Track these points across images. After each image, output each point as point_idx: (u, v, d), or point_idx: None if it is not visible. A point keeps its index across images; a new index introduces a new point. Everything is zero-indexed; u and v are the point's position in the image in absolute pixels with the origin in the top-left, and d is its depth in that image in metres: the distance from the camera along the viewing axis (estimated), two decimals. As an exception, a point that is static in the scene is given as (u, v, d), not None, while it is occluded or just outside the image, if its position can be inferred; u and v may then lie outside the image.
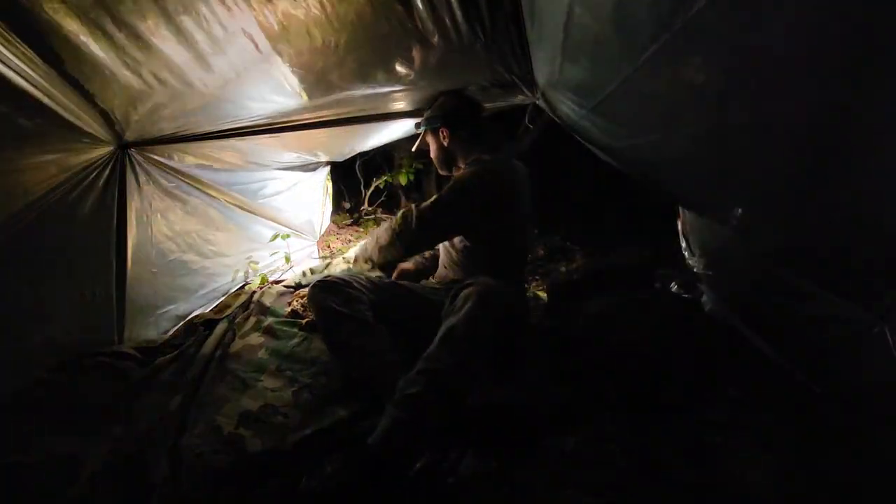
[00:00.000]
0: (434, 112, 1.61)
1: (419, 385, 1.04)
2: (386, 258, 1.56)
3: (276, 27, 1.12)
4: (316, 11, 1.09)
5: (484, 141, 1.62)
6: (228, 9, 1.05)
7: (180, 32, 1.07)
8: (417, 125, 1.70)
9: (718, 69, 0.68)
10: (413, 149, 1.80)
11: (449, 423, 1.07)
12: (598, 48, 0.90)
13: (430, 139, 1.66)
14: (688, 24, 0.62)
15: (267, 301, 1.68)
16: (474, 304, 1.17)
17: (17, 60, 0.97)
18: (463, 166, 1.60)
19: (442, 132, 1.60)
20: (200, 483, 0.95)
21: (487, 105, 1.69)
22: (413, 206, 1.49)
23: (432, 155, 1.69)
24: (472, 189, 1.45)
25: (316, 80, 1.39)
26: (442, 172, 1.73)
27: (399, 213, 1.50)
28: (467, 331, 1.13)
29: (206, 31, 1.08)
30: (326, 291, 1.34)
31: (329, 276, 1.41)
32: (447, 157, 1.64)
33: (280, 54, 1.22)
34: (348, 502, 0.91)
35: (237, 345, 1.43)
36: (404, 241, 1.48)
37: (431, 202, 1.45)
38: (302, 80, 1.36)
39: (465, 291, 1.23)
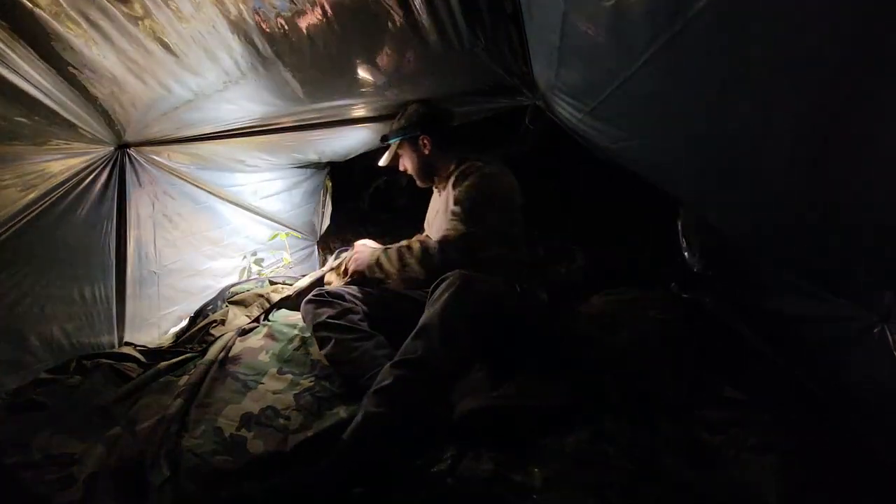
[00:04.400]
0: (409, 121, 1.54)
1: (391, 377, 1.03)
2: (405, 286, 1.45)
3: (278, 34, 1.12)
4: (317, 18, 1.09)
5: (459, 144, 1.58)
6: (232, 21, 1.05)
7: (183, 41, 1.07)
8: (385, 138, 1.62)
9: (715, 71, 0.68)
10: (382, 163, 1.68)
11: (428, 417, 1.05)
12: (594, 53, 0.90)
13: (405, 150, 1.59)
14: (685, 26, 0.62)
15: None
16: (451, 295, 1.14)
17: (18, 60, 0.97)
18: (447, 175, 1.54)
19: (422, 140, 1.54)
20: (200, 484, 0.95)
21: (487, 107, 1.68)
22: (444, 237, 1.35)
23: (410, 166, 1.61)
24: (487, 202, 1.39)
25: (316, 84, 1.39)
26: (422, 184, 1.67)
27: (417, 248, 1.36)
28: (442, 321, 1.10)
29: (209, 38, 1.08)
30: (320, 305, 1.34)
31: (321, 290, 1.40)
32: (428, 166, 1.58)
33: (281, 60, 1.22)
34: (325, 499, 0.89)
35: (238, 347, 1.42)
36: (428, 271, 1.34)
37: (461, 229, 1.33)
38: (302, 83, 1.36)
39: (445, 283, 1.19)
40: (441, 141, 1.55)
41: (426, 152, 1.55)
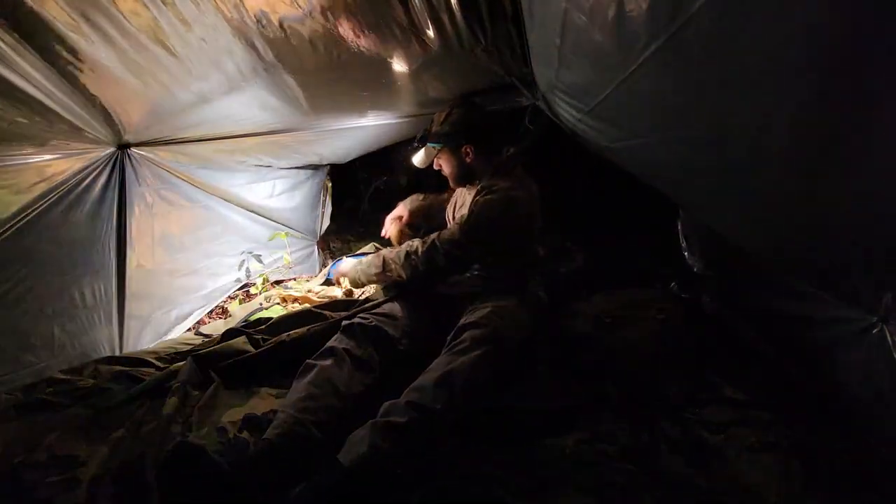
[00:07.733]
0: (453, 127, 1.47)
1: (405, 416, 1.01)
2: (398, 282, 1.47)
3: (279, 39, 1.12)
4: (318, 23, 1.09)
5: (500, 153, 1.55)
6: (234, 25, 1.05)
7: (186, 45, 1.07)
8: (423, 139, 1.55)
9: (714, 70, 0.69)
10: (419, 164, 1.60)
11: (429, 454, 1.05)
12: (594, 52, 0.90)
13: (446, 155, 1.52)
14: (683, 26, 0.62)
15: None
16: (482, 354, 1.14)
17: (20, 60, 0.97)
18: (478, 183, 1.51)
19: (465, 150, 1.48)
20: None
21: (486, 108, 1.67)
22: (434, 238, 1.39)
23: (448, 170, 1.56)
24: (496, 223, 1.39)
25: (317, 89, 1.39)
26: (456, 187, 1.62)
27: (422, 247, 1.39)
28: (466, 380, 1.09)
29: (211, 42, 1.08)
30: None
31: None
32: (467, 173, 1.53)
33: (283, 64, 1.22)
34: None
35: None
36: (427, 271, 1.40)
37: (457, 238, 1.37)
38: (303, 87, 1.36)
39: (474, 333, 1.20)
40: (484, 149, 1.50)
41: (468, 160, 1.51)
